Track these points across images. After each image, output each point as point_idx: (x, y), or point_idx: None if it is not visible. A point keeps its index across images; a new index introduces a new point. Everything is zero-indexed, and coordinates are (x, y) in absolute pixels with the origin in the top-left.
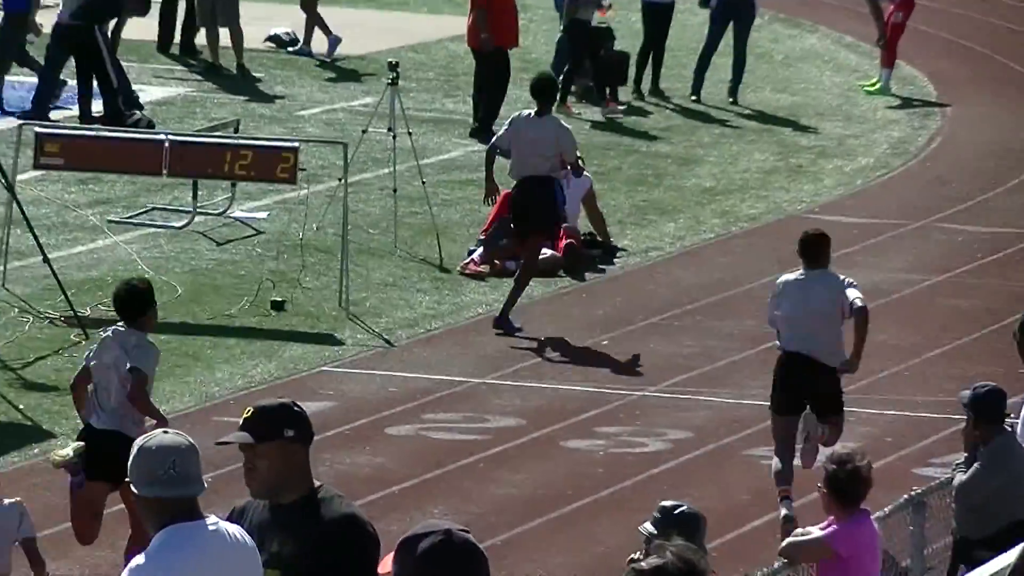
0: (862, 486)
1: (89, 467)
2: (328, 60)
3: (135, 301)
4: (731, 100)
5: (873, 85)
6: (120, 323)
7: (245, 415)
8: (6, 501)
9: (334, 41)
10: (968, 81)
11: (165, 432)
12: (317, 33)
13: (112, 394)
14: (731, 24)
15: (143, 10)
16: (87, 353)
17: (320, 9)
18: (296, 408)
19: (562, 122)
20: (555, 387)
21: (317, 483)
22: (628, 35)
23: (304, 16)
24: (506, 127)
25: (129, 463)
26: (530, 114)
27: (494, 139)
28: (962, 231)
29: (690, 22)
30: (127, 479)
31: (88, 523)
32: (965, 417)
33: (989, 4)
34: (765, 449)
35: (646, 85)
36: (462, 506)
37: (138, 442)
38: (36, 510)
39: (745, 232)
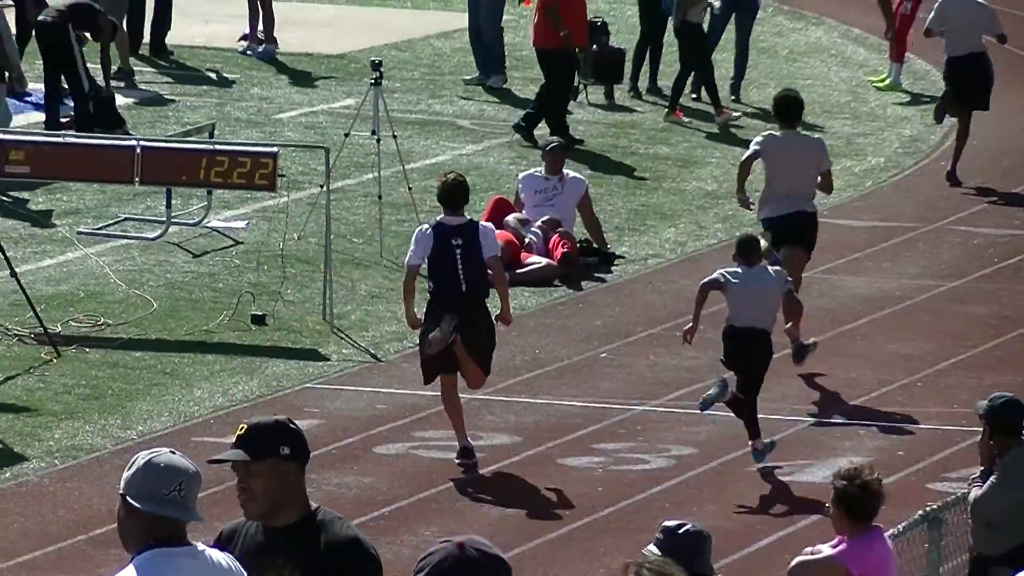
0: (873, 501)
1: None
2: (243, 53)
3: None
4: (733, 97)
5: (882, 80)
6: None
7: (238, 432)
8: (771, 269)
9: (268, 52)
10: None
11: (172, 452)
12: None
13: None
14: (733, 17)
15: (111, 36)
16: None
17: (298, 4)
18: (291, 425)
19: None
20: (550, 402)
21: (314, 505)
22: (624, 29)
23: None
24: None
25: (129, 473)
26: None
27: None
28: (978, 233)
29: None
30: (120, 490)
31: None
32: (981, 429)
33: None
34: (772, 465)
35: (643, 83)
36: (455, 527)
37: (144, 455)
38: (9, 536)
39: None
